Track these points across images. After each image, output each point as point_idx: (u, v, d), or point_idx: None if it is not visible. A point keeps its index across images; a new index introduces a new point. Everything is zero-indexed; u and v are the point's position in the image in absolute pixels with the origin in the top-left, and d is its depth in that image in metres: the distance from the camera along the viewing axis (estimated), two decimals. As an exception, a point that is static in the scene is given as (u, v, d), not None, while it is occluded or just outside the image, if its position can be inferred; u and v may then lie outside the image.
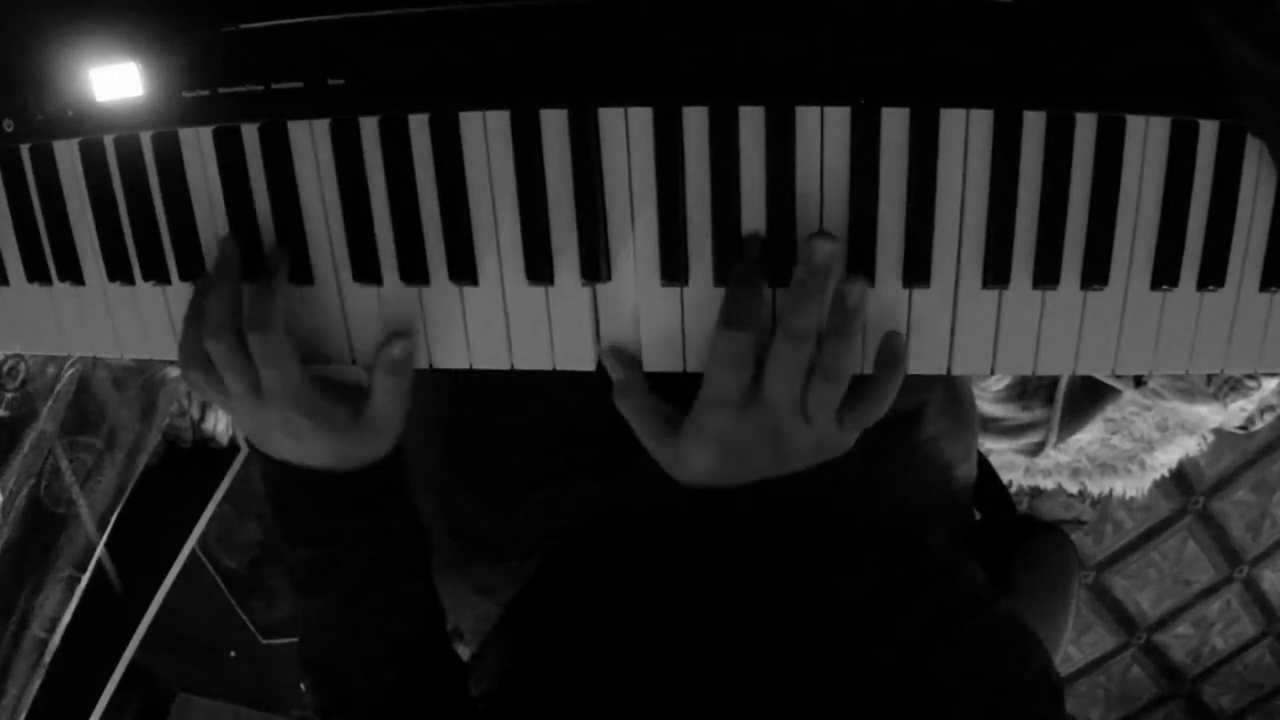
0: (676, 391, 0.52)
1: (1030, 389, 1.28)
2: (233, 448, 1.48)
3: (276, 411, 0.52)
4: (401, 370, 0.53)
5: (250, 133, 0.52)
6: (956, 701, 0.51)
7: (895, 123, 0.49)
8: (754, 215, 0.50)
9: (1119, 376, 1.09)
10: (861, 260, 0.50)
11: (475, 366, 0.54)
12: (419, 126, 0.51)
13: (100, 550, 1.16)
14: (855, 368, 0.49)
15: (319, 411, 0.53)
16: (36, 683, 1.09)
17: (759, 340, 0.48)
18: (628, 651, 0.57)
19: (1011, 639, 0.53)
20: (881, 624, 0.52)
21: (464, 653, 0.69)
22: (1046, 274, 0.51)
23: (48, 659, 1.10)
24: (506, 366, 0.54)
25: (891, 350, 0.50)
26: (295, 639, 0.61)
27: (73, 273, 0.57)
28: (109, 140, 0.54)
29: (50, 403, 1.04)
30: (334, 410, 0.53)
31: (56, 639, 1.10)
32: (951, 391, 0.71)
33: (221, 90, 0.52)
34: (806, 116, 0.49)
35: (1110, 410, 1.29)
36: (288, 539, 0.58)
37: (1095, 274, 0.51)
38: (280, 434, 0.53)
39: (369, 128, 0.51)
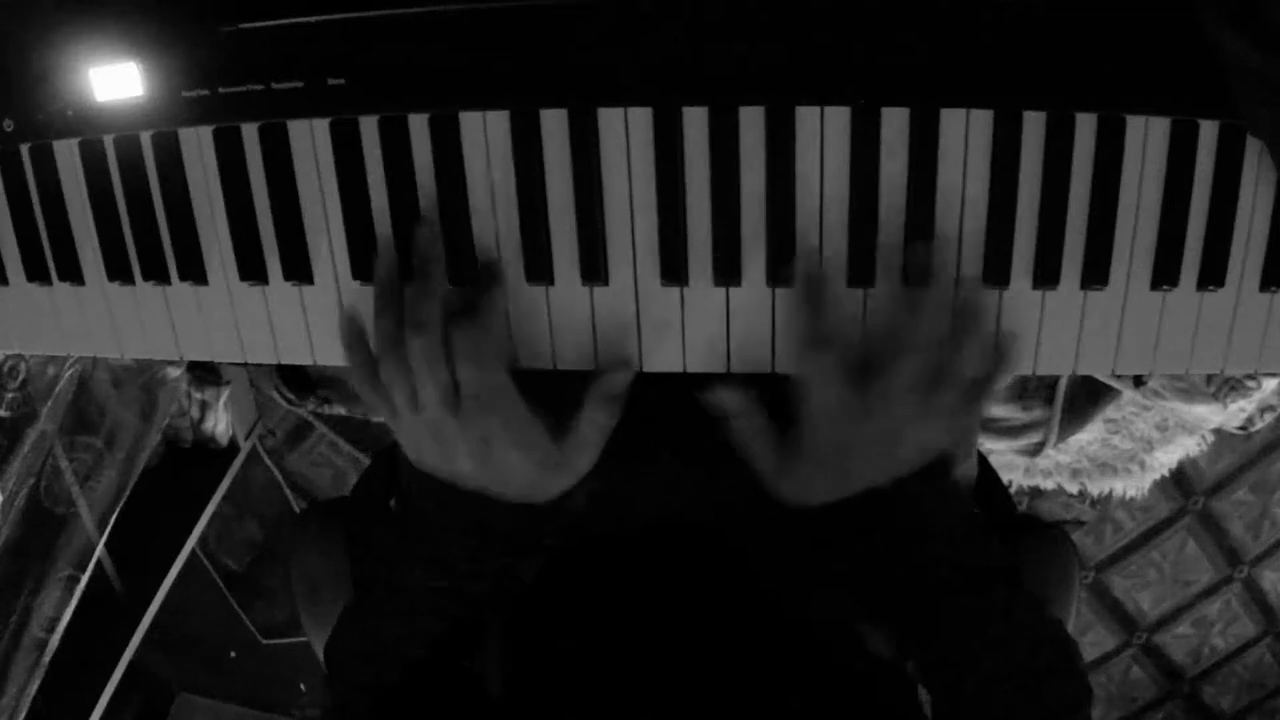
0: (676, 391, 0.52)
1: (1030, 389, 1.28)
2: (233, 448, 1.48)
3: (475, 424, 0.49)
4: (616, 405, 0.51)
5: (250, 133, 0.52)
6: (1011, 705, 0.52)
7: (895, 123, 0.49)
8: (754, 215, 0.50)
9: (1119, 376, 1.09)
10: (861, 260, 0.50)
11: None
12: (419, 126, 0.51)
13: (100, 550, 1.16)
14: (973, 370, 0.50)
15: (521, 426, 0.50)
16: (35, 682, 1.09)
17: (846, 348, 0.49)
18: (631, 650, 0.57)
19: (1063, 647, 0.54)
20: (922, 622, 0.52)
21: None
22: (1046, 274, 0.50)
23: (47, 659, 1.09)
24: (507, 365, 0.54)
25: (1006, 351, 0.51)
26: (295, 639, 0.60)
27: (73, 273, 0.57)
28: (109, 140, 0.54)
29: (50, 403, 1.03)
30: (540, 437, 0.51)
31: (55, 639, 1.10)
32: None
33: (221, 90, 0.52)
34: (806, 116, 0.49)
35: (1110, 410, 1.28)
36: (420, 565, 0.54)
37: (1095, 274, 0.51)
38: (467, 453, 0.50)
39: (369, 128, 0.51)
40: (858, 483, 0.51)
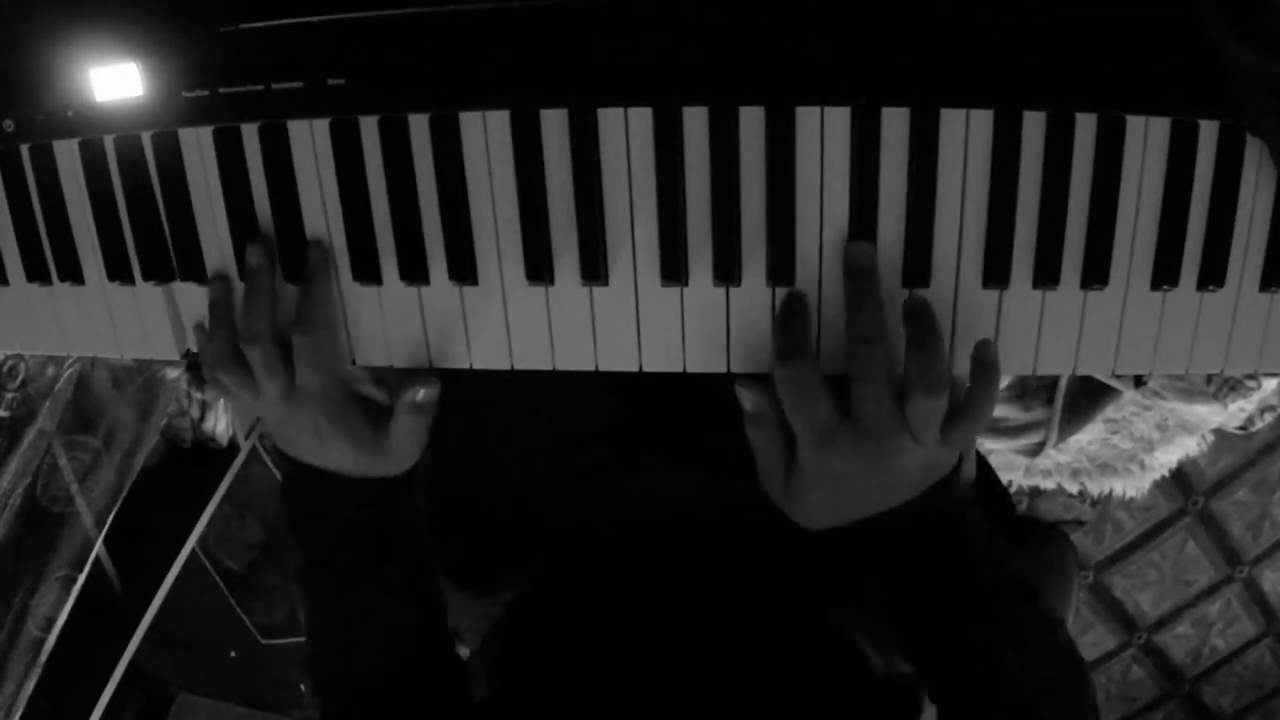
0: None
1: (1030, 389, 1.28)
2: (233, 448, 1.47)
3: (307, 414, 0.53)
4: (423, 412, 0.54)
5: (250, 133, 0.52)
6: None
7: (895, 123, 0.49)
8: (754, 215, 0.50)
9: (1119, 376, 1.09)
10: (861, 260, 0.50)
11: (475, 366, 0.54)
12: (419, 126, 0.51)
13: (99, 549, 1.16)
14: (948, 378, 0.48)
15: (345, 421, 0.53)
16: (32, 682, 1.09)
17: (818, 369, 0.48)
18: (632, 652, 0.57)
19: (1071, 666, 0.54)
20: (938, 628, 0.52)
21: (464, 653, 0.69)
22: (1046, 274, 0.50)
23: (43, 658, 1.09)
24: (506, 366, 0.54)
25: (983, 359, 0.50)
26: (295, 639, 0.61)
27: (73, 273, 0.57)
28: (109, 140, 0.54)
29: (49, 402, 1.03)
30: (359, 426, 0.54)
31: (53, 638, 1.10)
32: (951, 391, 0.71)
33: (221, 90, 0.52)
34: (806, 116, 0.49)
35: (1110, 410, 1.28)
36: (293, 532, 0.58)
37: (1095, 274, 0.51)
38: (307, 436, 0.54)
39: (369, 128, 0.51)
40: (856, 512, 0.50)
